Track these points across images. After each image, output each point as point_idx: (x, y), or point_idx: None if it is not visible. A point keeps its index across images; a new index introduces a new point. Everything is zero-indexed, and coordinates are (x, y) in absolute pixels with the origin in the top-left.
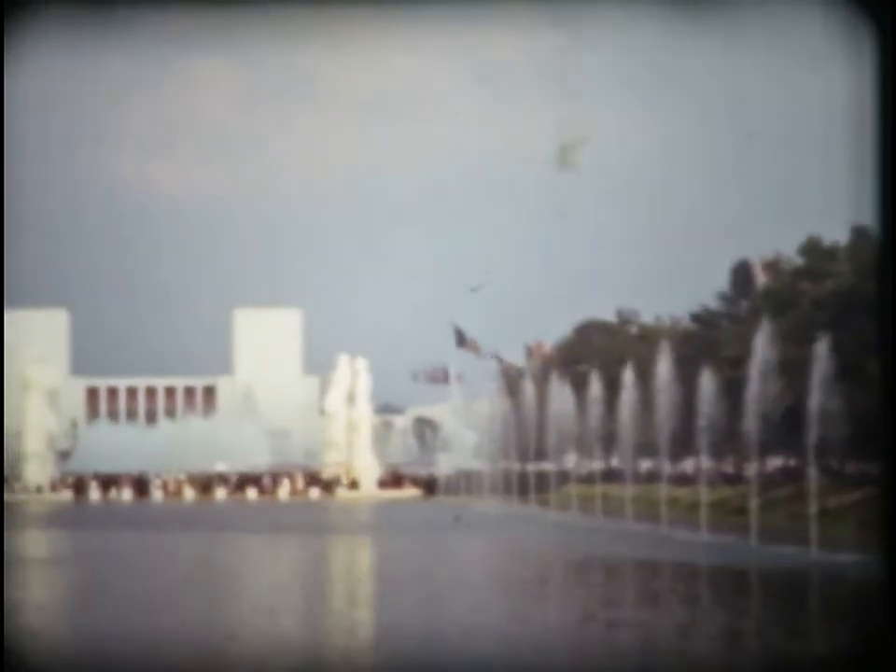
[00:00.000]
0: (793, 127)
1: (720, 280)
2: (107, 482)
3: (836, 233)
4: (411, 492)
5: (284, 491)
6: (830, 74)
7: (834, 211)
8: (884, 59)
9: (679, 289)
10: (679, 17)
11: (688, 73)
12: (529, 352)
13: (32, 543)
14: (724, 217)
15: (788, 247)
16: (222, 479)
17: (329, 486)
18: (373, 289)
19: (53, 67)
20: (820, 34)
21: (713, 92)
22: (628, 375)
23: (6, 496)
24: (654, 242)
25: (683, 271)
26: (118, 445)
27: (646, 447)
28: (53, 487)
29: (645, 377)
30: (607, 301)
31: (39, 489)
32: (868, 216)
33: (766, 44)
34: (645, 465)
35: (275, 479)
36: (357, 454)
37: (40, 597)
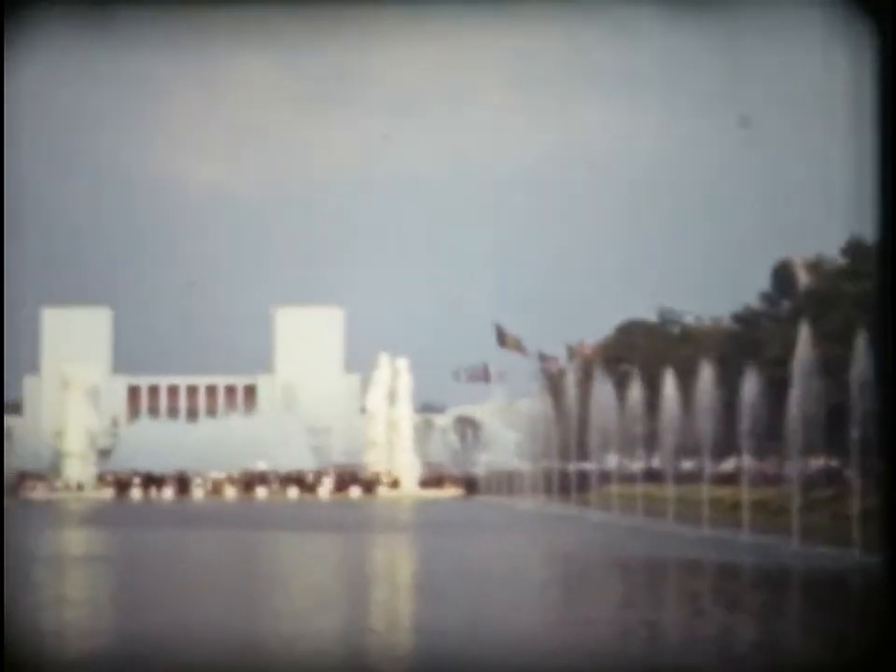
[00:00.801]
0: (792, 129)
1: (761, 280)
2: (148, 480)
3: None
4: (451, 491)
5: (324, 490)
6: (830, 73)
7: (835, 211)
8: (884, 59)
9: (720, 290)
10: (679, 17)
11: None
12: (571, 351)
13: (72, 541)
14: (767, 218)
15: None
16: (263, 477)
17: (369, 485)
18: (415, 287)
19: (53, 67)
20: (821, 33)
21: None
22: (669, 375)
23: (23, 495)
24: (697, 242)
25: (724, 271)
26: (159, 443)
27: (687, 447)
28: (94, 486)
29: (687, 377)
30: (648, 302)
31: (80, 487)
32: (868, 216)
33: (766, 44)
34: (687, 465)
35: (316, 478)
36: (397, 453)
37: (78, 595)
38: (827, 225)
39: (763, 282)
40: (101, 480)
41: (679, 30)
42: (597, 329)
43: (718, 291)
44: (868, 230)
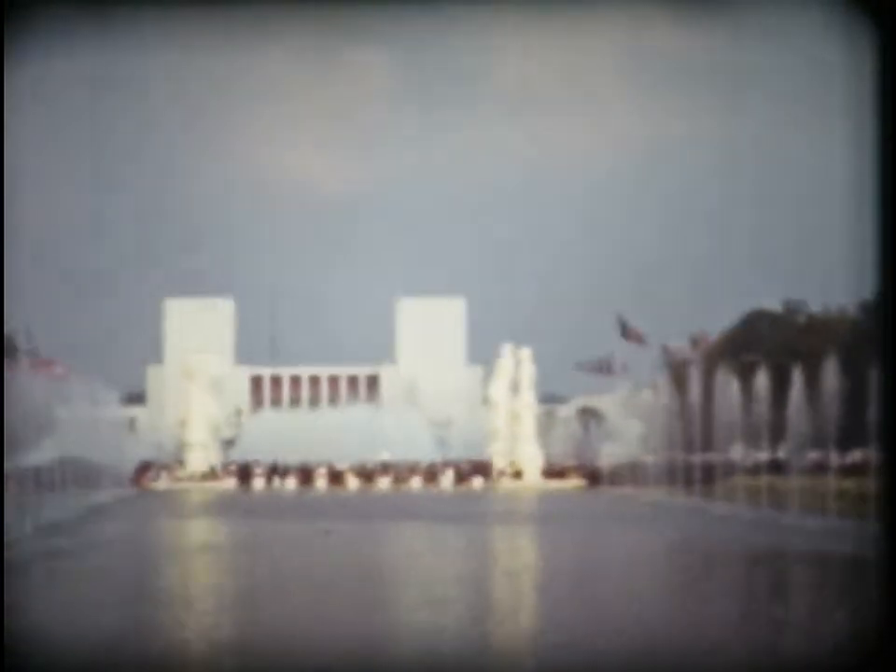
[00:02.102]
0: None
1: None
2: (271, 470)
3: None
4: (574, 482)
5: (447, 481)
6: (829, 73)
7: (835, 211)
8: (884, 59)
9: (846, 278)
10: (679, 17)
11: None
12: (694, 342)
13: (195, 531)
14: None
15: None
16: (385, 468)
17: (491, 476)
18: (538, 278)
19: (54, 67)
20: (820, 33)
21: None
22: (796, 365)
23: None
24: (822, 229)
25: (850, 260)
26: (281, 434)
27: (814, 438)
28: (217, 475)
29: (812, 367)
30: (773, 291)
31: (203, 477)
32: (868, 216)
33: (766, 44)
34: (812, 456)
35: (438, 468)
36: (520, 443)
37: (202, 586)
38: (827, 225)
39: None
40: (224, 470)
41: (679, 30)
42: (721, 319)
43: (843, 280)
44: (868, 230)
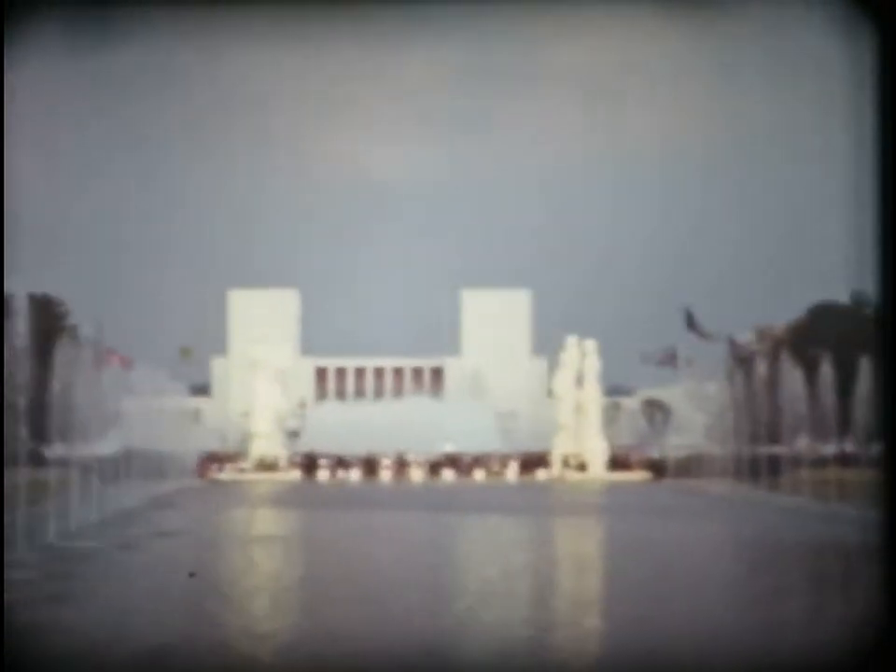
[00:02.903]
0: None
1: None
2: (336, 461)
3: None
4: (640, 475)
5: (511, 472)
6: (829, 73)
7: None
8: (884, 59)
9: (846, 279)
10: (678, 17)
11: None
12: (760, 334)
13: (260, 522)
14: None
15: None
16: (450, 460)
17: (556, 468)
18: (603, 269)
19: (55, 67)
20: (820, 33)
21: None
22: (863, 358)
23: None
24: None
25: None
26: (345, 425)
27: (881, 430)
28: (281, 466)
29: (880, 360)
30: (839, 284)
31: (267, 468)
32: (868, 216)
33: (766, 44)
34: (878, 448)
35: (503, 461)
36: (585, 436)
37: (268, 577)
38: (827, 225)
39: None
40: (288, 461)
41: (679, 30)
42: (788, 311)
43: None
44: (868, 230)
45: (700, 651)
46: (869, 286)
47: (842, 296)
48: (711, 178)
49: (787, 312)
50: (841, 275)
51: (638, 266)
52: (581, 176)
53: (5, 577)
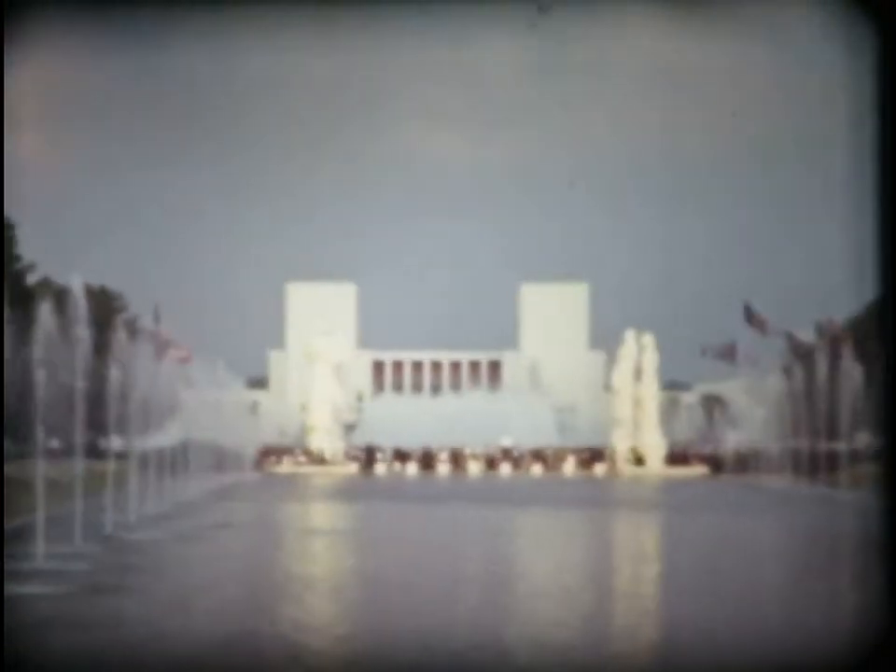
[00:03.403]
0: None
1: None
2: (394, 454)
3: None
4: (698, 469)
5: (569, 467)
6: (829, 73)
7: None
8: (884, 59)
9: (846, 278)
10: (678, 17)
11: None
12: (820, 329)
13: (314, 515)
14: None
15: None
16: (507, 454)
17: (614, 463)
18: (661, 263)
19: (55, 67)
20: (821, 33)
21: None
22: None
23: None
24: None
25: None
26: (402, 418)
27: None
28: (339, 460)
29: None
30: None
31: (325, 461)
32: (868, 217)
33: (766, 44)
34: None
35: (561, 455)
36: (643, 430)
37: (327, 570)
38: (828, 225)
39: None
40: (346, 454)
41: (678, 30)
42: (847, 306)
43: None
44: (868, 229)
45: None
46: (861, 285)
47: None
48: (719, 176)
49: (847, 306)
50: (840, 277)
51: (697, 260)
52: (638, 170)
53: (58, 568)
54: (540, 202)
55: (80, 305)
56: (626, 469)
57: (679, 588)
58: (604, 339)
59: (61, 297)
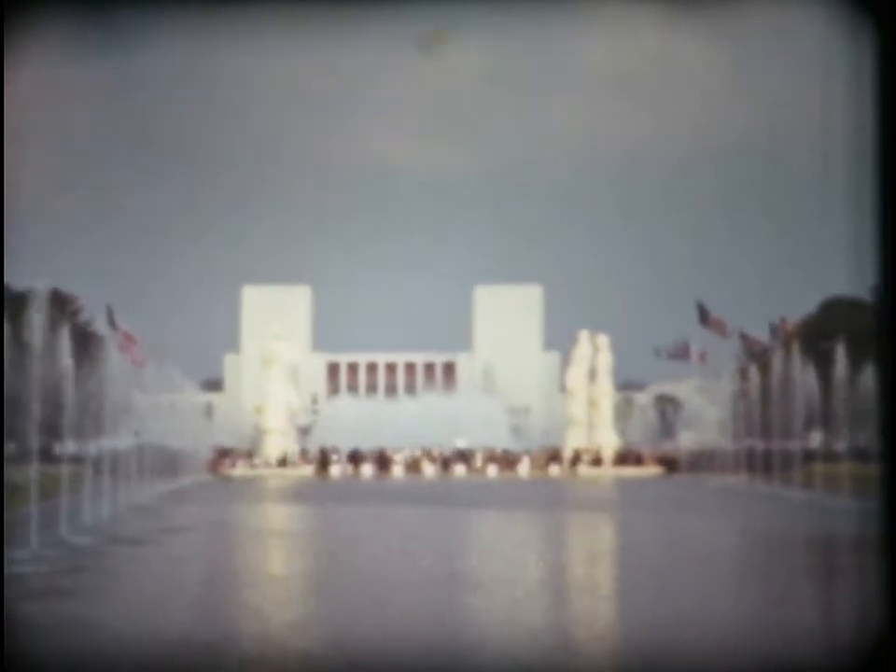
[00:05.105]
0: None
1: None
2: (349, 456)
3: None
4: (652, 469)
5: (524, 467)
6: (829, 73)
7: (836, 210)
8: (884, 59)
9: (846, 277)
10: (678, 17)
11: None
12: (774, 329)
13: (270, 517)
14: None
15: None
16: (462, 455)
17: (569, 463)
18: (615, 265)
19: (55, 67)
20: (821, 33)
21: None
22: (874, 353)
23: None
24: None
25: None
26: (357, 421)
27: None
28: (294, 462)
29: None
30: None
31: (280, 463)
32: (868, 217)
33: (766, 44)
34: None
35: (515, 456)
36: (598, 430)
37: (281, 573)
38: (828, 224)
39: None
40: (301, 456)
41: (678, 30)
42: (799, 306)
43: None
44: (868, 229)
45: (712, 648)
46: (869, 282)
47: (851, 291)
48: (710, 176)
49: (799, 307)
50: (842, 272)
51: (650, 261)
52: (590, 172)
53: (16, 571)
54: (495, 204)
55: (42, 309)
56: (581, 469)
57: (664, 590)
58: (558, 340)
59: (16, 301)
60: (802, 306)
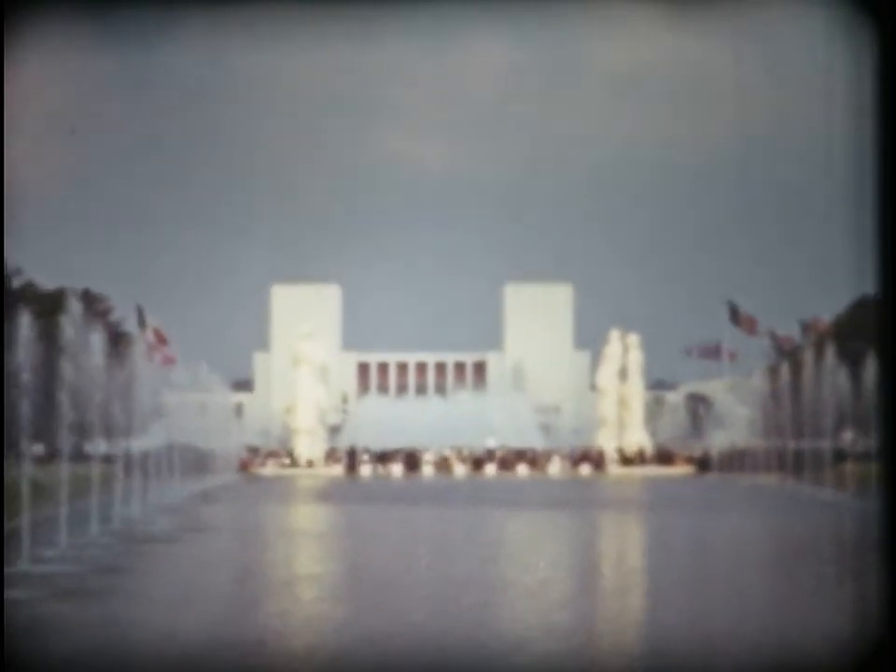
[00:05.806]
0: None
1: None
2: (378, 456)
3: None
4: (683, 469)
5: (554, 467)
6: (829, 73)
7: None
8: (884, 59)
9: (846, 277)
10: (678, 17)
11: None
12: (805, 328)
13: (304, 517)
14: None
15: None
16: (492, 455)
17: (600, 463)
18: (645, 263)
19: (55, 67)
20: (821, 33)
21: None
22: None
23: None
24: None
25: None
26: (387, 420)
27: None
28: (324, 461)
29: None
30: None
31: (310, 463)
32: (868, 217)
33: (766, 44)
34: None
35: (546, 455)
36: (628, 430)
37: (311, 572)
38: (828, 224)
39: None
40: (330, 456)
41: (678, 30)
42: (831, 305)
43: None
44: (868, 229)
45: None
46: (860, 284)
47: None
48: (732, 176)
49: (832, 305)
50: (842, 273)
51: (683, 260)
52: (623, 170)
53: (45, 571)
54: (525, 202)
55: (74, 309)
56: (612, 468)
57: (672, 589)
58: (589, 339)
59: (45, 301)
60: (830, 305)
